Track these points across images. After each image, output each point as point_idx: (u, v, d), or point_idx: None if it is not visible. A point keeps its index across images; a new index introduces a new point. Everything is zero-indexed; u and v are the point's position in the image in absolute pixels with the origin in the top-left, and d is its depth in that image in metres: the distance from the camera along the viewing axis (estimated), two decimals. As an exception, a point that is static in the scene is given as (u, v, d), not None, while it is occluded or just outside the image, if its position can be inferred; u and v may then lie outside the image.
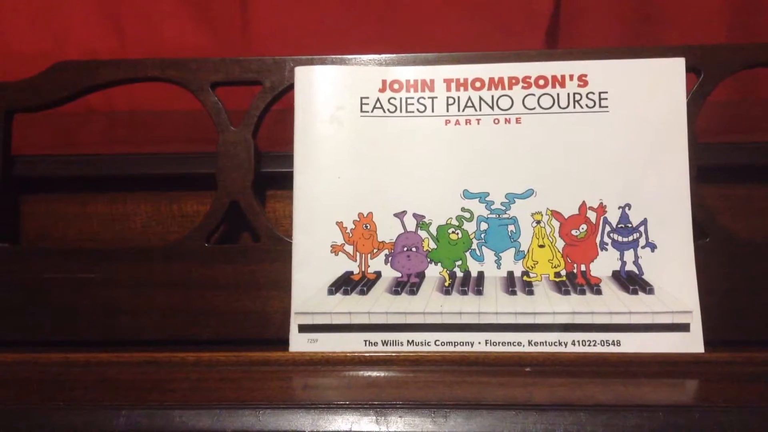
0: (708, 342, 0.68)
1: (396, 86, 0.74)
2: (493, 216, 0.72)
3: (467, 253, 0.72)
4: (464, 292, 0.71)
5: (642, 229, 0.71)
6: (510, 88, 0.73)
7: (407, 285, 0.72)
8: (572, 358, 0.68)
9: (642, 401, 0.58)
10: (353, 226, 0.73)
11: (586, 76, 0.73)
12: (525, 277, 0.71)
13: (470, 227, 0.72)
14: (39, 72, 0.76)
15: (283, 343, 0.71)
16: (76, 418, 0.56)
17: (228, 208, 0.74)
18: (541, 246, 0.72)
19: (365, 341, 0.70)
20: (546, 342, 0.69)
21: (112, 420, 0.56)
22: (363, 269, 0.72)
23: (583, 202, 0.72)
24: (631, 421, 0.55)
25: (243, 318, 0.72)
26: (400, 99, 0.74)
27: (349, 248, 0.72)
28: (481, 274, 0.72)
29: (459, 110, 0.73)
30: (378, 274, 0.73)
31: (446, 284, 0.72)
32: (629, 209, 0.71)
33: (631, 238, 0.71)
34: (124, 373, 0.67)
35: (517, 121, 0.73)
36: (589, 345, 0.69)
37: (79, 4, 1.06)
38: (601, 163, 0.72)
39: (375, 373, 0.67)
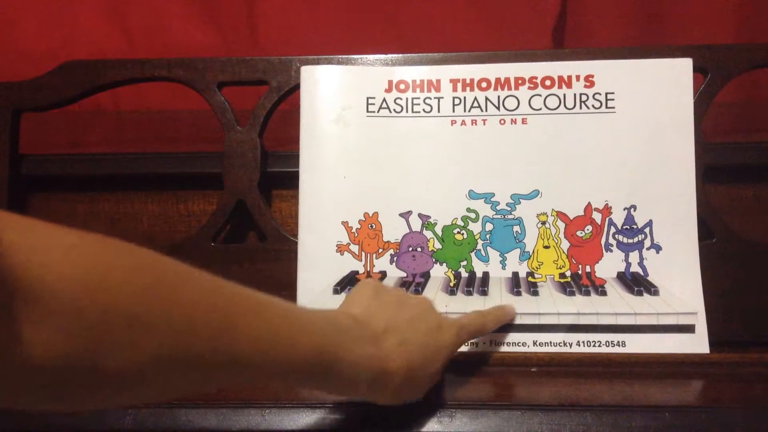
0: (713, 343, 0.68)
1: (402, 86, 0.74)
2: (499, 216, 0.72)
3: (472, 254, 0.72)
4: (469, 293, 0.71)
5: (647, 230, 0.71)
6: (516, 88, 0.73)
7: (412, 285, 0.72)
8: (577, 358, 0.68)
9: (648, 402, 0.58)
10: (359, 226, 0.73)
11: (592, 76, 0.73)
12: (530, 278, 0.71)
13: (475, 228, 0.72)
14: (47, 71, 0.77)
15: (289, 342, 0.71)
16: (83, 418, 0.57)
17: (234, 208, 0.74)
18: (546, 247, 0.72)
19: (371, 341, 0.70)
20: (551, 342, 0.69)
21: (119, 419, 0.56)
22: (368, 269, 0.73)
23: (589, 203, 0.71)
24: (637, 422, 0.55)
25: (249, 317, 0.73)
26: (406, 99, 0.74)
27: (354, 248, 0.73)
28: (486, 275, 0.72)
29: (465, 110, 0.73)
30: (383, 274, 0.73)
31: (451, 284, 0.72)
32: (635, 210, 0.71)
33: (636, 240, 0.71)
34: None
35: (524, 121, 0.73)
36: (594, 346, 0.69)
37: (87, 3, 1.06)
38: (607, 164, 0.71)
39: (380, 373, 0.67)
